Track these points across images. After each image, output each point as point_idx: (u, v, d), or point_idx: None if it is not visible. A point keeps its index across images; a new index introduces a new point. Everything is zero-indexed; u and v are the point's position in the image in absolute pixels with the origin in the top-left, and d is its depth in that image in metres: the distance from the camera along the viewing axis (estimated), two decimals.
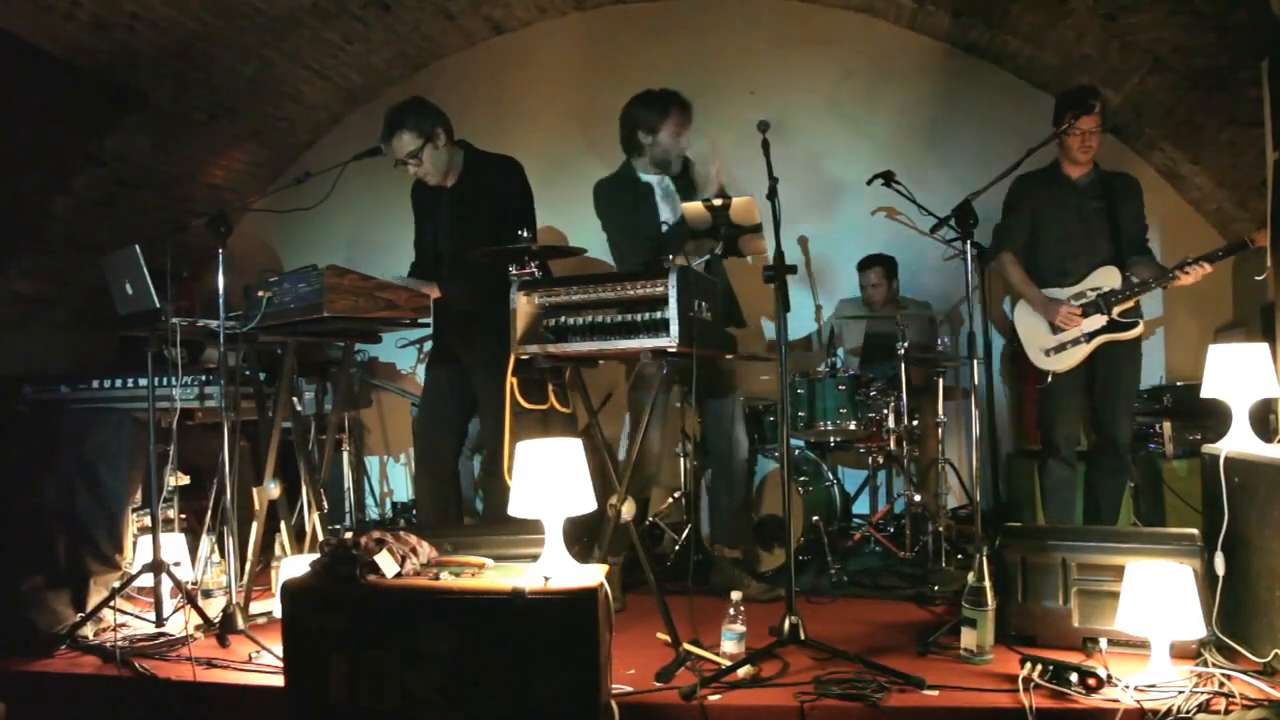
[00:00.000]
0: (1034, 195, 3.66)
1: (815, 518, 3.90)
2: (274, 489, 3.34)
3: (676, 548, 4.11)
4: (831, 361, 4.18)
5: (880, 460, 4.30)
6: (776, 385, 4.99)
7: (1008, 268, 3.70)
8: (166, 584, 3.22)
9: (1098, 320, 3.50)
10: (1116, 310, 3.47)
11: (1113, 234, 3.55)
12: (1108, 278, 3.51)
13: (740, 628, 2.66)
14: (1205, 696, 2.26)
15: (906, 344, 4.01)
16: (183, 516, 3.75)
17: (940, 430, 4.12)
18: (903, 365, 4.00)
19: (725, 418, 3.55)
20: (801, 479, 4.03)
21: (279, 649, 2.51)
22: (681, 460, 4.34)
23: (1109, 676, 2.35)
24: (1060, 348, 3.56)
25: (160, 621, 3.16)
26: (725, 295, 3.34)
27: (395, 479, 5.69)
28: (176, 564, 3.38)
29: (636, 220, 3.47)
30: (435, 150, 3.41)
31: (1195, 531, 2.71)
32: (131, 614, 3.24)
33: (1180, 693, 2.28)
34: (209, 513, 3.42)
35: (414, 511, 5.09)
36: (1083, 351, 3.53)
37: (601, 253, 3.73)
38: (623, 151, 3.61)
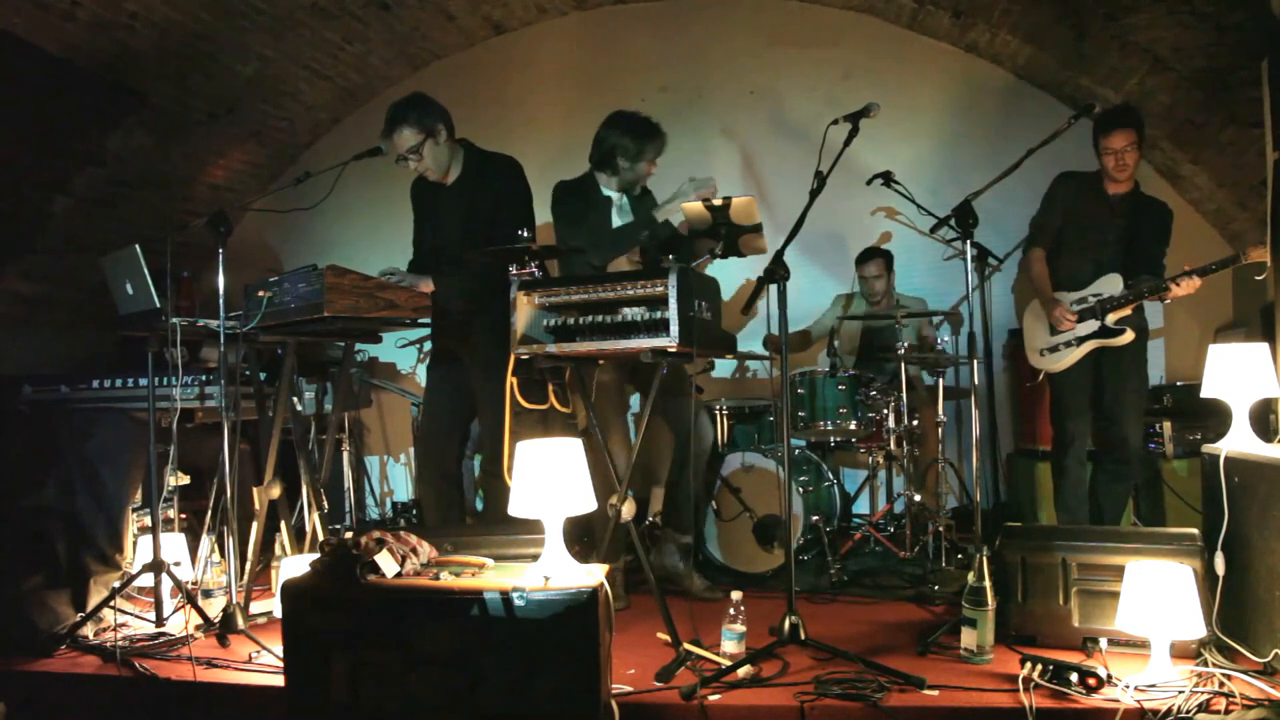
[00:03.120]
0: (1070, 194, 3.69)
1: (815, 518, 3.90)
2: (274, 489, 3.34)
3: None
4: (832, 361, 4.18)
5: (880, 460, 4.30)
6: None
7: (1033, 264, 3.78)
8: (166, 584, 3.22)
9: (1090, 325, 3.53)
10: (1111, 317, 3.50)
11: (1128, 250, 3.57)
12: (1110, 285, 3.54)
13: (740, 628, 2.66)
14: (1205, 696, 2.26)
15: (906, 344, 4.01)
16: (183, 516, 3.76)
17: (940, 430, 4.13)
18: (902, 365, 4.00)
19: (685, 416, 3.58)
20: (801, 479, 4.03)
21: (279, 649, 2.51)
22: None
23: (1109, 676, 2.35)
24: (1054, 349, 3.62)
25: (160, 621, 3.16)
26: None
27: (395, 479, 5.70)
28: (176, 564, 3.38)
29: (588, 227, 3.49)
30: (436, 146, 3.42)
31: (1195, 531, 2.71)
32: (131, 614, 3.24)
33: (1180, 693, 2.28)
34: (209, 513, 3.42)
35: (414, 511, 5.10)
36: (1074, 354, 3.57)
37: None
38: (589, 163, 3.63)
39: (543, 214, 3.56)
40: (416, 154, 3.40)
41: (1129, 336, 3.49)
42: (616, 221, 3.58)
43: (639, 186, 3.68)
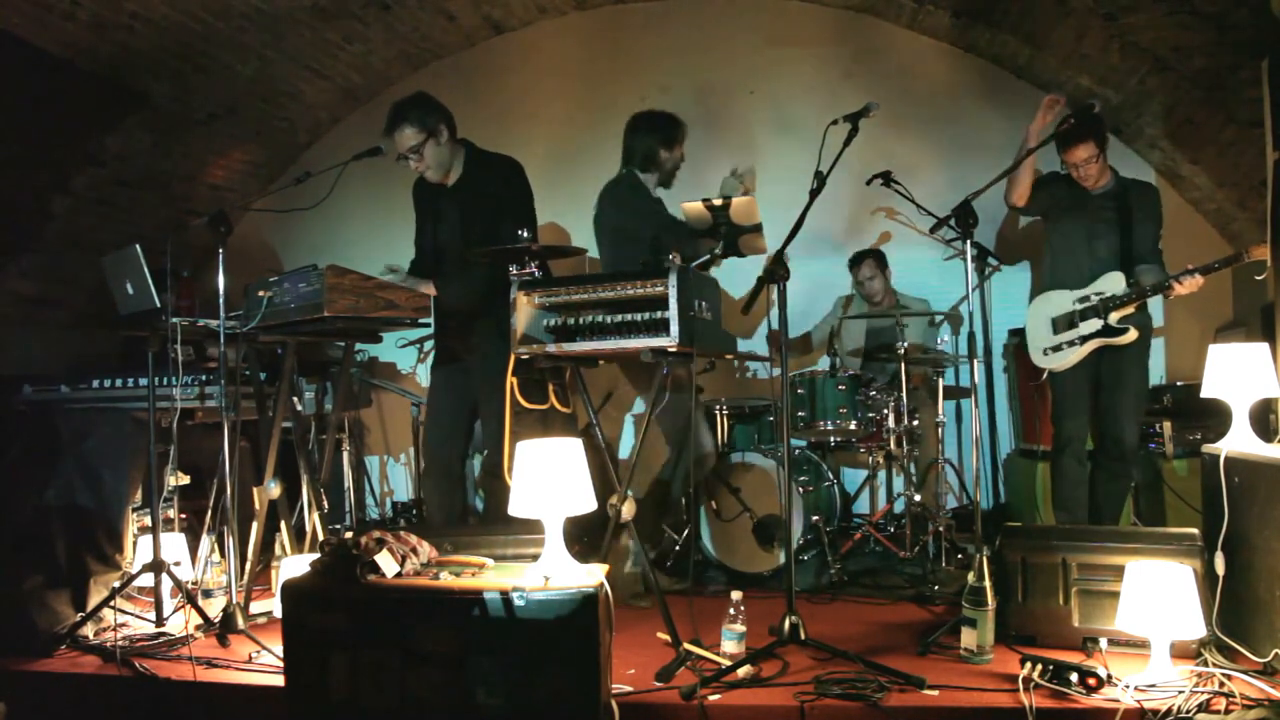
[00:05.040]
0: (1054, 190, 3.70)
1: (815, 517, 3.90)
2: (274, 489, 3.34)
3: (676, 548, 4.10)
4: (832, 361, 4.18)
5: (880, 460, 4.30)
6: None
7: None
8: (166, 584, 3.22)
9: (1094, 324, 3.53)
10: (1114, 316, 3.50)
11: (1122, 242, 3.57)
12: (1112, 283, 3.53)
13: (740, 628, 2.66)
14: (1205, 696, 2.26)
15: (906, 344, 4.01)
16: (183, 516, 3.75)
17: (940, 430, 4.13)
18: (903, 365, 4.00)
19: (677, 417, 3.53)
20: (801, 479, 4.03)
21: (279, 649, 2.51)
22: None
23: (1109, 676, 2.35)
24: (1057, 348, 3.61)
25: (160, 621, 3.16)
26: None
27: (395, 479, 5.70)
28: (176, 564, 3.38)
29: (652, 227, 3.46)
30: (437, 146, 3.42)
31: (1195, 531, 2.71)
32: (131, 614, 3.24)
33: (1180, 693, 2.28)
34: (209, 513, 3.43)
35: (414, 511, 5.10)
36: (1078, 353, 3.57)
37: None
38: (631, 166, 3.64)
39: (544, 214, 3.56)
40: (417, 154, 3.40)
41: (1132, 335, 3.49)
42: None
43: (671, 181, 3.72)
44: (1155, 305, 4.75)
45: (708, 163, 4.80)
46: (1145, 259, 3.56)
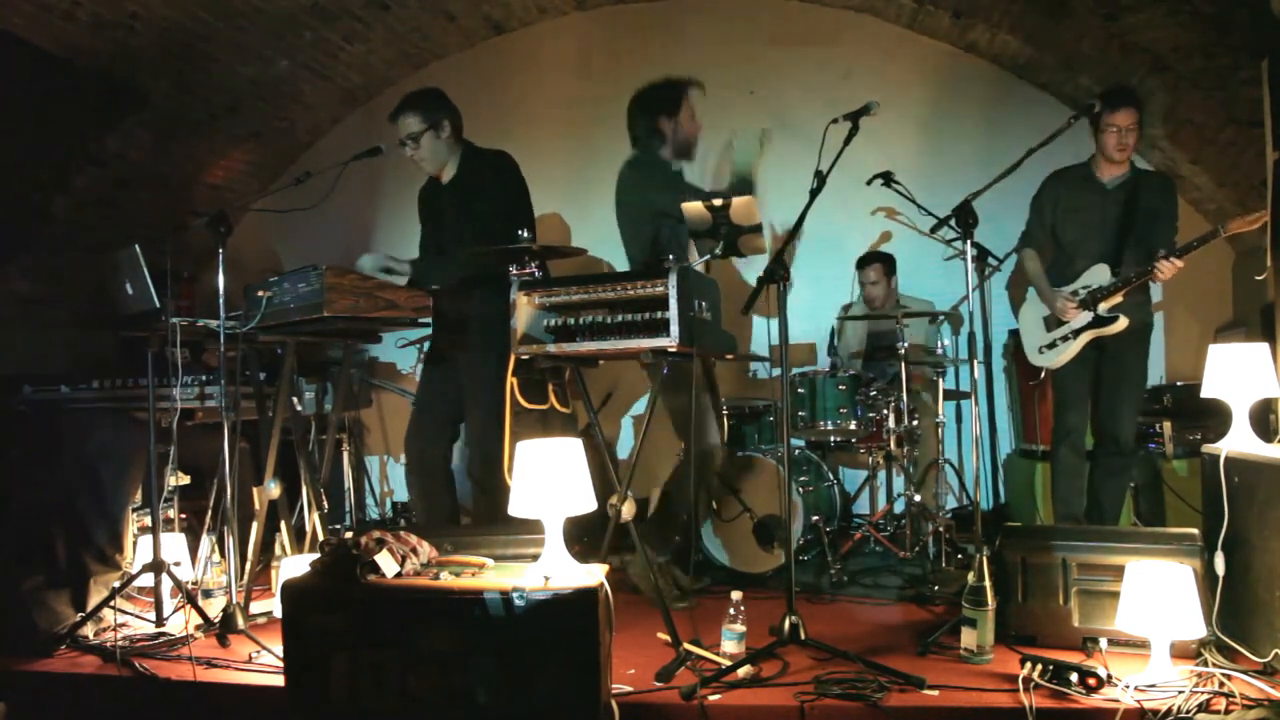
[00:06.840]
0: (1059, 195, 3.71)
1: (815, 518, 3.90)
2: (274, 489, 3.34)
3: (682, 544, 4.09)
4: (832, 361, 4.18)
5: (880, 460, 4.30)
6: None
7: (1027, 262, 3.84)
8: (166, 584, 3.22)
9: (1084, 316, 3.54)
10: (1102, 306, 3.51)
11: (1125, 234, 3.57)
12: (1098, 275, 3.55)
13: (740, 628, 2.66)
14: (1205, 696, 2.26)
15: (906, 344, 4.01)
16: (183, 516, 3.76)
17: (940, 430, 4.12)
18: (903, 365, 4.00)
19: (688, 416, 3.49)
20: (801, 479, 4.03)
21: (279, 649, 2.52)
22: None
23: (1109, 676, 2.35)
24: (1051, 345, 3.64)
25: (160, 621, 3.16)
26: None
27: (395, 479, 5.69)
28: (176, 564, 3.38)
29: (672, 204, 3.34)
30: (436, 140, 3.43)
31: (1195, 531, 2.71)
32: (131, 614, 3.24)
33: (1180, 693, 2.28)
34: (209, 513, 3.43)
35: (414, 511, 5.09)
36: (1072, 349, 3.58)
37: (602, 252, 3.72)
38: (639, 145, 3.53)
39: (540, 206, 3.53)
40: (415, 142, 3.42)
41: (1123, 323, 3.50)
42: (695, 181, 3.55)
43: (695, 149, 3.57)
44: (1155, 304, 4.77)
45: (707, 162, 4.81)
46: (1164, 249, 3.54)
